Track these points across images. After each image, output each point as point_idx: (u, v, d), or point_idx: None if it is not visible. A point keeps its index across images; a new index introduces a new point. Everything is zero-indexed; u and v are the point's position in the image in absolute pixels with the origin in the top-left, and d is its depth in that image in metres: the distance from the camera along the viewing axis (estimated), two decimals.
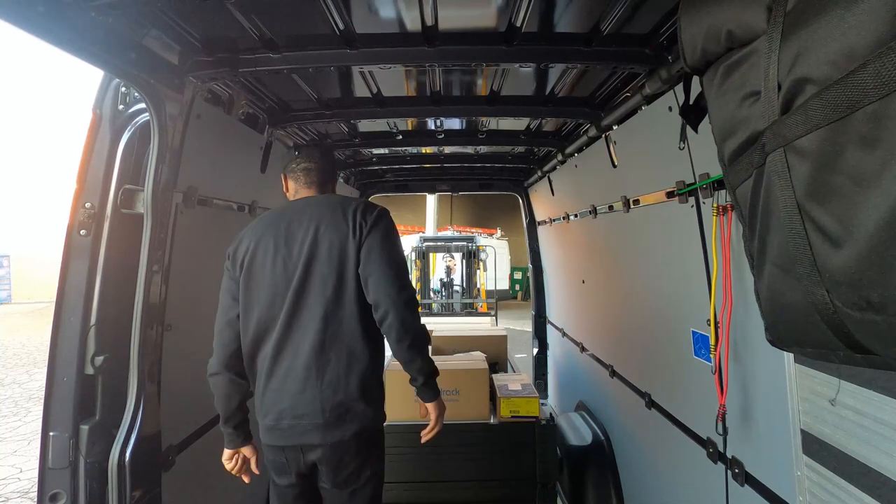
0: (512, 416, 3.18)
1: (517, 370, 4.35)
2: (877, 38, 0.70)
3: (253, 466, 2.07)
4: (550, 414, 3.38)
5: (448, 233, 19.06)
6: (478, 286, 15.11)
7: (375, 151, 4.20)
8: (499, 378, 3.50)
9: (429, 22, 1.95)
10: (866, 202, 0.74)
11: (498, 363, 4.01)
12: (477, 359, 3.58)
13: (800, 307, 0.90)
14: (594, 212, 3.44)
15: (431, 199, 17.74)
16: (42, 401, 1.85)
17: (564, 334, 4.83)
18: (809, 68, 0.81)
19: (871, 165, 0.72)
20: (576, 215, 3.98)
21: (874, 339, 0.79)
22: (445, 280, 11.67)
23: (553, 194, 4.52)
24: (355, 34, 2.02)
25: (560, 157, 3.74)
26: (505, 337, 4.22)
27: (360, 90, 2.73)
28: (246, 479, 2.08)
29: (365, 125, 3.43)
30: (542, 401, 5.36)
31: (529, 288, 6.10)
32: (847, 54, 0.74)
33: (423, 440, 2.14)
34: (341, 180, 4.61)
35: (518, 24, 1.94)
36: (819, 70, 0.80)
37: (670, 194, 2.21)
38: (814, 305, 0.86)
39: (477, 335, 4.17)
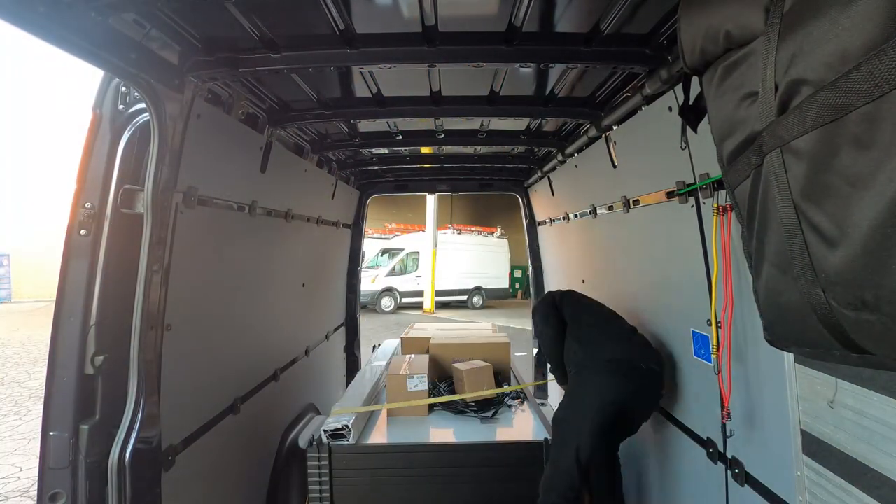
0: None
1: (520, 379, 4.30)
2: (870, 39, 0.70)
3: None
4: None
5: (447, 232, 19.10)
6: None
7: (375, 151, 4.20)
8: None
9: (429, 22, 1.95)
10: (861, 203, 0.74)
11: (500, 373, 3.93)
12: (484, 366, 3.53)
13: (797, 307, 0.90)
14: (594, 212, 3.44)
15: (431, 199, 17.75)
16: (42, 400, 1.85)
17: None
18: (805, 70, 0.82)
19: (866, 166, 0.73)
20: (576, 215, 3.98)
21: (869, 339, 0.79)
22: None
23: (553, 194, 4.52)
24: (355, 34, 2.03)
25: (560, 157, 3.74)
26: (508, 344, 4.12)
27: (361, 90, 2.73)
28: None
29: (365, 125, 3.43)
30: (541, 402, 5.33)
31: (529, 286, 6.10)
32: (841, 56, 0.74)
33: None
34: (342, 180, 4.62)
35: (518, 24, 1.94)
36: (814, 71, 0.80)
37: (670, 194, 2.21)
38: (810, 305, 0.87)
39: (478, 343, 4.06)
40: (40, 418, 1.84)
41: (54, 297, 1.89)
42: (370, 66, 2.28)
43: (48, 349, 1.86)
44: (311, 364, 4.18)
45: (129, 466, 1.81)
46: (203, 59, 2.04)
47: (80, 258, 1.87)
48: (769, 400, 1.66)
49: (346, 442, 2.96)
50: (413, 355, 3.83)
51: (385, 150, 4.18)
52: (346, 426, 2.98)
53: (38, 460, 1.83)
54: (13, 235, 20.02)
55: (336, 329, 5.22)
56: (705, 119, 1.21)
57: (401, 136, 3.63)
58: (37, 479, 1.84)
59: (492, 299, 19.92)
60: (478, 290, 19.51)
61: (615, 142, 2.84)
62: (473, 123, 3.45)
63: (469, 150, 4.20)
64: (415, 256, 18.72)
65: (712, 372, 1.87)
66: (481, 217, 22.36)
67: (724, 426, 1.85)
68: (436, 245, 18.21)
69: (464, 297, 19.26)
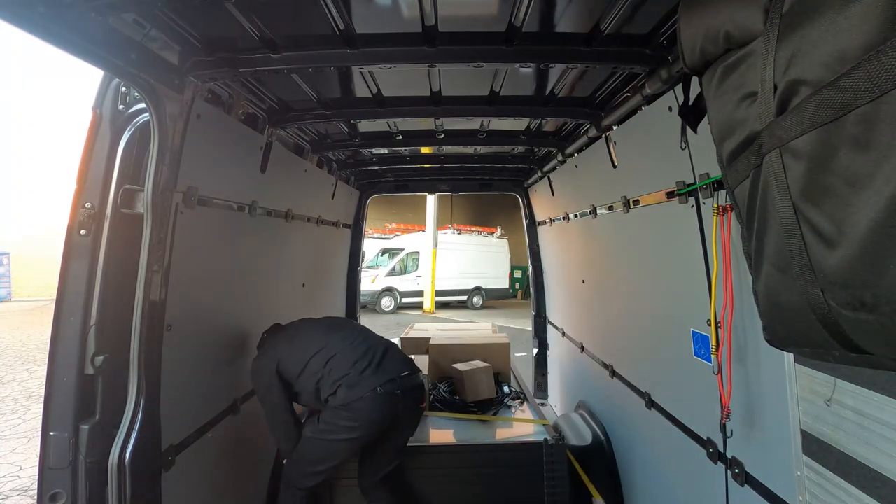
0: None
1: (520, 379, 4.31)
2: (868, 40, 0.70)
3: None
4: (560, 433, 3.24)
5: (447, 232, 19.10)
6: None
7: (375, 151, 4.20)
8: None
9: (429, 22, 1.95)
10: (859, 203, 0.74)
11: (500, 373, 3.95)
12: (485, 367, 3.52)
13: (796, 307, 0.90)
14: (594, 212, 3.44)
15: (431, 199, 17.74)
16: (42, 400, 1.84)
17: (564, 334, 4.83)
18: (804, 70, 0.82)
19: (864, 167, 0.73)
20: (576, 215, 3.98)
21: (868, 339, 0.79)
22: None
23: (553, 194, 4.52)
24: (355, 34, 2.03)
25: (560, 157, 3.74)
26: (508, 345, 4.15)
27: (361, 90, 2.73)
28: None
29: (365, 125, 3.43)
30: (541, 402, 5.32)
31: (529, 287, 6.09)
32: (839, 57, 0.74)
33: None
34: (342, 180, 4.63)
35: (518, 24, 1.94)
36: (813, 72, 0.80)
37: (670, 194, 2.21)
38: (809, 305, 0.87)
39: (478, 343, 4.07)
40: (40, 417, 1.84)
41: (54, 297, 1.89)
42: (370, 67, 2.28)
43: (48, 349, 1.86)
44: None
45: (129, 466, 1.81)
46: (203, 59, 2.04)
47: (80, 258, 1.88)
48: (769, 400, 1.66)
49: None
50: (413, 356, 3.83)
51: (385, 150, 4.18)
52: None
53: (37, 460, 1.83)
54: (13, 234, 20.00)
55: None
56: (705, 119, 1.21)
57: (401, 136, 3.63)
58: (37, 479, 1.84)
59: (492, 299, 19.92)
60: (478, 290, 19.51)
61: (615, 142, 2.84)
62: (473, 123, 3.45)
63: (469, 150, 4.20)
64: (415, 256, 18.71)
65: (712, 372, 1.87)
66: (481, 217, 22.35)
67: (723, 426, 1.85)
68: (436, 245, 18.21)
69: (464, 298, 19.27)
